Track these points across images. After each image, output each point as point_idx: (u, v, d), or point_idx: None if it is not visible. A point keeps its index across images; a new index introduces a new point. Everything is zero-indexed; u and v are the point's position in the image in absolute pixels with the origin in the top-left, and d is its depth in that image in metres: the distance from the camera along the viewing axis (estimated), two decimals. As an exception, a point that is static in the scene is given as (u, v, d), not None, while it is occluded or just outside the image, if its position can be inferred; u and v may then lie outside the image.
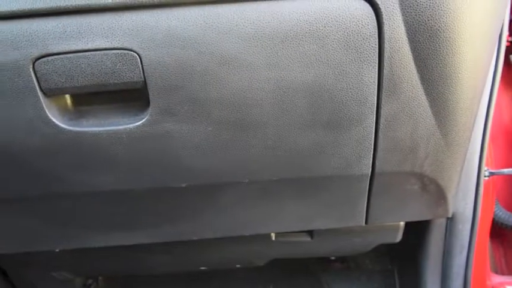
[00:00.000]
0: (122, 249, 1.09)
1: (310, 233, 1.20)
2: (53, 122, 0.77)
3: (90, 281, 1.56)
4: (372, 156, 0.85)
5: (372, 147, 0.83)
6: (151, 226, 0.99)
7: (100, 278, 1.57)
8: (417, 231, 1.22)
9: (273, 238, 1.21)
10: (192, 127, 0.78)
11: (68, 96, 0.80)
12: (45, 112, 0.76)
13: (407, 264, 1.38)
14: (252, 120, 0.78)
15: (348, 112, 0.78)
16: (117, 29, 0.71)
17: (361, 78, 0.75)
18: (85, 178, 0.85)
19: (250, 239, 1.10)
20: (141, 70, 0.73)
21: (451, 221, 1.14)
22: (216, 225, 0.99)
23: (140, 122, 0.78)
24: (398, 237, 1.19)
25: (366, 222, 0.99)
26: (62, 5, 0.70)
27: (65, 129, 0.78)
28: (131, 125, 0.78)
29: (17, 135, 0.79)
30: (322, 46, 0.72)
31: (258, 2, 0.71)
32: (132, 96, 0.79)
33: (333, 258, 1.57)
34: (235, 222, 0.99)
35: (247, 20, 0.71)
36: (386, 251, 1.32)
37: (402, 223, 1.15)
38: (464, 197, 1.09)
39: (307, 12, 0.71)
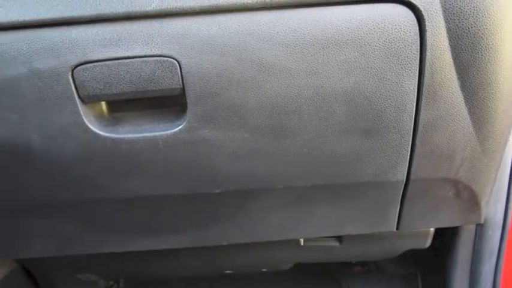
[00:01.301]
0: (149, 252, 1.08)
1: (339, 237, 1.19)
2: (90, 128, 0.77)
3: (111, 283, 1.57)
4: (407, 162, 0.84)
5: (409, 153, 0.82)
6: (183, 231, 0.99)
7: (121, 280, 1.57)
8: (443, 235, 1.21)
9: (302, 243, 1.20)
10: (229, 134, 0.78)
11: (103, 103, 0.80)
12: (82, 119, 0.76)
13: (432, 268, 1.37)
14: (289, 127, 0.77)
15: (386, 119, 0.78)
16: (157, 36, 0.70)
17: (401, 85, 0.74)
18: (120, 184, 0.85)
19: (278, 243, 1.10)
20: (180, 77, 0.73)
21: (480, 226, 1.13)
22: (247, 230, 0.99)
23: (177, 129, 0.77)
24: (428, 243, 1.18)
25: (397, 228, 0.99)
26: (102, 12, 0.69)
27: (101, 135, 0.78)
28: (168, 132, 0.78)
29: (54, 142, 0.78)
30: (363, 53, 0.72)
31: (300, 9, 0.70)
32: (167, 102, 0.79)
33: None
34: (266, 227, 0.99)
35: (289, 27, 0.70)
36: (409, 254, 1.31)
37: (432, 229, 1.14)
38: (495, 202, 1.08)
39: (349, 19, 0.70)
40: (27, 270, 1.35)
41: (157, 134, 0.78)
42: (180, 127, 0.77)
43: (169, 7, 0.69)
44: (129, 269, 1.35)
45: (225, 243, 1.02)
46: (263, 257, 1.30)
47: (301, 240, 1.20)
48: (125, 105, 0.80)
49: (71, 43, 0.71)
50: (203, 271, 1.41)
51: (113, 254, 1.09)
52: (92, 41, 0.71)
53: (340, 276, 1.56)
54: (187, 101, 0.74)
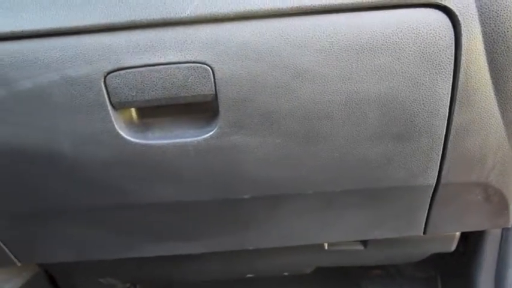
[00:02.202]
0: (170, 256, 1.08)
1: (364, 241, 1.19)
2: (121, 135, 0.77)
3: (128, 285, 1.57)
4: (438, 167, 0.83)
5: (440, 158, 0.82)
6: (210, 236, 0.98)
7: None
8: (468, 239, 1.20)
9: (326, 247, 1.20)
10: (260, 139, 0.77)
11: (133, 109, 0.80)
12: (114, 125, 0.76)
13: (453, 272, 1.36)
14: (321, 132, 0.77)
15: (418, 123, 0.77)
16: (191, 42, 0.70)
17: (435, 89, 0.74)
18: (149, 190, 0.85)
19: (302, 247, 1.10)
20: (213, 83, 0.72)
21: (507, 230, 1.12)
22: (274, 235, 0.99)
23: (208, 135, 0.77)
24: (453, 247, 1.17)
25: (425, 232, 0.98)
26: (136, 19, 0.69)
27: (132, 141, 0.78)
28: (198, 138, 0.78)
29: (84, 148, 0.78)
30: (398, 58, 0.71)
31: (334, 14, 0.70)
32: (197, 108, 0.79)
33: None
34: (293, 232, 0.98)
35: (323, 32, 0.70)
36: (430, 257, 1.30)
37: (458, 232, 1.13)
38: (523, 206, 1.08)
39: (384, 24, 0.70)
40: (49, 275, 1.35)
41: (188, 140, 0.78)
42: (211, 133, 0.77)
43: (203, 13, 0.68)
44: (150, 272, 1.35)
45: (251, 248, 1.02)
46: (286, 261, 1.29)
47: (325, 244, 1.20)
48: (154, 111, 0.80)
49: (104, 50, 0.71)
50: (224, 275, 1.41)
51: (134, 258, 1.09)
52: (125, 48, 0.71)
53: (359, 279, 1.55)
54: (220, 107, 0.74)
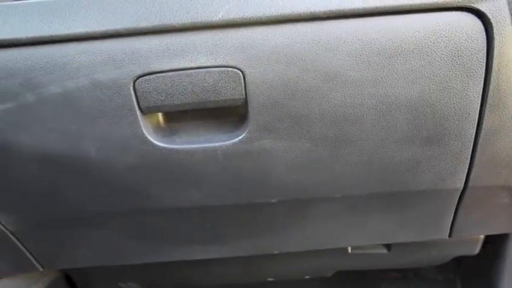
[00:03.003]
0: (192, 260, 1.08)
1: (388, 245, 1.18)
2: (149, 139, 0.77)
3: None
4: (467, 170, 0.83)
5: (468, 161, 0.81)
6: (234, 240, 0.98)
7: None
8: (491, 242, 1.19)
9: (349, 250, 1.19)
10: (289, 143, 0.77)
11: (160, 114, 0.80)
12: (142, 130, 0.76)
13: (474, 275, 1.35)
14: (351, 136, 0.77)
15: (448, 127, 0.77)
16: (222, 46, 0.70)
17: (466, 93, 0.73)
18: (176, 194, 0.84)
19: (325, 251, 1.09)
20: (243, 87, 0.72)
21: (530, 233, 1.11)
22: (299, 239, 0.98)
23: (237, 139, 0.77)
24: (477, 250, 1.17)
25: (450, 236, 0.98)
26: (167, 23, 0.69)
27: (159, 146, 0.77)
28: (227, 142, 0.77)
29: (111, 153, 0.78)
30: (429, 62, 0.71)
31: (366, 18, 0.69)
32: (225, 112, 0.79)
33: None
34: (318, 236, 0.98)
35: (355, 36, 0.69)
36: (449, 259, 1.30)
37: (482, 235, 1.12)
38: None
39: (416, 28, 0.69)
40: (69, 279, 1.35)
41: (216, 144, 0.78)
42: (240, 137, 0.77)
43: (235, 17, 0.68)
44: (170, 276, 1.34)
45: (276, 252, 1.01)
46: (308, 265, 1.29)
47: (349, 248, 1.19)
48: (180, 115, 0.80)
49: (134, 54, 0.71)
50: (245, 279, 1.40)
51: (155, 262, 1.09)
52: (155, 52, 0.70)
53: (377, 282, 1.54)
54: (250, 111, 0.74)
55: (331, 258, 1.23)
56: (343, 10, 0.68)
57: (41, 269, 1.06)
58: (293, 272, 1.35)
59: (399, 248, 1.17)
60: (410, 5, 0.68)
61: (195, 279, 1.35)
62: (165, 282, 1.40)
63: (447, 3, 0.68)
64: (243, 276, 1.35)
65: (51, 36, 0.70)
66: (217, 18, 0.68)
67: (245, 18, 0.68)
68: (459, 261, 1.35)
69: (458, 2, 0.68)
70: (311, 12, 0.68)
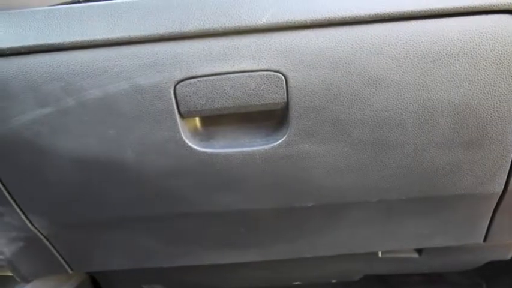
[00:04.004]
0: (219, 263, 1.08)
1: (419, 249, 1.17)
2: (187, 143, 0.76)
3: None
4: (507, 174, 0.82)
5: (509, 165, 0.80)
6: (267, 244, 0.97)
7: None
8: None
9: (380, 254, 1.18)
10: (329, 147, 0.77)
11: (197, 118, 0.79)
12: (180, 134, 0.75)
13: (502, 280, 1.34)
14: (392, 140, 0.76)
15: (490, 130, 0.76)
16: (265, 50, 0.69)
17: (509, 96, 0.72)
18: (212, 198, 0.84)
19: (355, 255, 1.08)
20: (285, 91, 0.71)
21: None
22: (332, 243, 0.98)
23: (276, 143, 0.76)
24: (510, 255, 1.15)
25: (485, 240, 0.96)
26: (210, 27, 0.69)
27: (198, 150, 0.77)
28: (266, 146, 0.77)
29: (149, 157, 0.78)
30: (474, 65, 0.70)
31: (411, 21, 0.69)
32: (263, 116, 0.78)
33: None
34: (352, 240, 0.97)
35: (400, 40, 0.69)
36: (481, 264, 1.28)
37: (515, 240, 1.11)
38: None
39: (461, 31, 0.68)
40: (94, 280, 1.35)
41: (255, 148, 0.77)
42: (280, 141, 0.76)
43: (280, 21, 0.68)
44: (195, 279, 1.34)
45: (308, 255, 1.01)
46: (337, 269, 1.28)
47: (379, 252, 1.18)
48: (218, 119, 0.80)
49: (176, 58, 0.70)
50: (271, 283, 1.40)
51: (181, 265, 1.08)
52: (197, 56, 0.70)
53: (401, 285, 1.53)
54: (290, 115, 0.73)
55: (360, 262, 1.23)
56: (387, 13, 0.68)
57: (70, 272, 1.06)
58: (320, 276, 1.34)
59: (431, 252, 1.16)
60: (456, 8, 0.68)
61: (221, 283, 1.35)
62: (189, 284, 1.39)
63: (493, 5, 0.68)
64: (269, 279, 1.35)
65: (93, 40, 0.70)
66: (262, 22, 0.68)
67: (289, 22, 0.68)
68: (487, 266, 1.34)
69: (504, 4, 0.68)
70: (356, 16, 0.67)
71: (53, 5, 0.76)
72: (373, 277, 1.49)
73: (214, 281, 1.35)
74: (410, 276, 1.53)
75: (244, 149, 0.77)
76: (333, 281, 1.39)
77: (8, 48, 0.71)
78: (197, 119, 0.80)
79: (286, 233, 0.95)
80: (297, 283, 1.39)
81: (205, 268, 1.19)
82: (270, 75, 0.70)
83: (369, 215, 0.90)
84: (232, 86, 0.71)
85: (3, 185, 0.85)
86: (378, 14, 0.67)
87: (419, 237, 0.97)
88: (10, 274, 1.26)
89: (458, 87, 0.71)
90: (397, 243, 1.00)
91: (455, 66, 0.70)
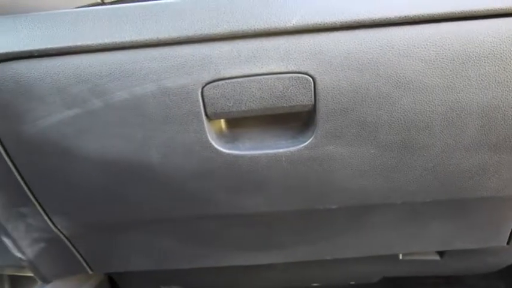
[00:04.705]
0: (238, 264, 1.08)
1: (440, 251, 1.17)
2: (213, 145, 0.76)
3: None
4: None
5: None
6: (289, 246, 0.97)
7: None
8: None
9: (400, 257, 1.18)
10: (355, 149, 0.76)
11: (222, 120, 0.79)
12: (207, 136, 0.75)
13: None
14: (418, 142, 0.76)
15: None
16: (294, 52, 0.69)
17: None
18: (237, 200, 0.84)
19: (376, 257, 1.08)
20: (313, 93, 0.71)
21: None
22: (355, 245, 0.97)
23: (302, 145, 0.76)
24: None
25: (508, 243, 0.96)
26: (239, 29, 0.69)
27: (223, 152, 0.77)
28: (292, 148, 0.77)
29: (175, 159, 0.78)
30: (504, 67, 0.69)
31: (441, 23, 0.68)
32: (289, 118, 0.78)
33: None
34: (374, 242, 0.97)
35: (429, 42, 0.68)
36: (503, 266, 1.27)
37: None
38: None
39: (491, 33, 0.68)
40: (112, 281, 1.36)
41: (280, 150, 0.77)
42: (306, 143, 0.76)
43: (310, 23, 0.67)
44: (215, 281, 1.34)
45: (329, 258, 1.01)
46: (356, 271, 1.28)
47: (400, 254, 1.18)
48: (243, 121, 0.80)
49: (204, 60, 0.70)
50: (290, 284, 1.39)
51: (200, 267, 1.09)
52: (226, 58, 0.70)
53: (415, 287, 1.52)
54: (317, 117, 0.73)
55: (380, 264, 1.22)
56: (417, 15, 0.67)
57: (90, 272, 1.06)
58: (339, 278, 1.34)
59: (452, 254, 1.16)
60: (487, 10, 0.67)
61: (239, 284, 1.35)
62: (207, 285, 1.39)
63: None
64: (287, 281, 1.34)
65: (121, 42, 0.70)
66: (291, 24, 0.67)
67: (319, 24, 0.67)
68: (506, 268, 1.33)
69: None
70: (386, 18, 0.67)
71: (80, 7, 0.76)
72: (389, 279, 1.48)
73: (231, 282, 1.35)
74: (427, 278, 1.52)
75: (270, 151, 0.77)
76: (351, 283, 1.39)
77: (36, 50, 0.71)
78: (222, 121, 0.80)
79: (309, 234, 0.95)
80: (315, 285, 1.38)
81: (223, 269, 1.19)
82: (298, 77, 0.70)
83: (392, 217, 0.90)
84: (260, 88, 0.71)
85: (28, 186, 0.85)
86: (407, 16, 0.67)
87: (442, 240, 0.97)
88: (28, 274, 1.26)
89: (488, 89, 0.71)
90: (420, 246, 0.99)
91: (485, 69, 0.69)
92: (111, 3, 0.81)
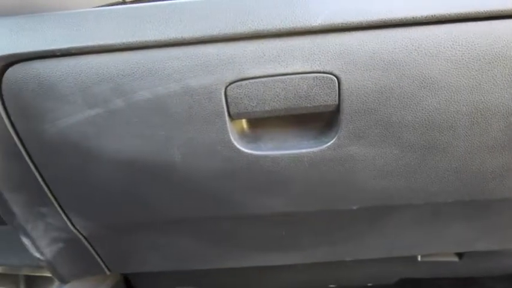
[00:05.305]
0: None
1: (460, 253, 1.16)
2: (235, 145, 0.76)
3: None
4: None
5: None
6: (309, 247, 0.97)
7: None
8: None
9: (419, 258, 1.17)
10: (378, 150, 0.76)
11: (244, 120, 0.79)
12: (229, 136, 0.75)
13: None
14: (442, 143, 0.75)
15: None
16: (319, 52, 0.69)
17: None
18: (257, 201, 0.84)
19: (394, 258, 1.07)
20: (337, 93, 0.71)
21: None
22: (375, 246, 0.97)
23: (325, 146, 0.76)
24: None
25: None
26: (264, 29, 0.68)
27: (245, 152, 0.77)
28: (314, 149, 0.76)
29: (196, 159, 0.78)
30: None
31: (468, 23, 0.68)
32: (311, 118, 0.78)
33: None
34: (394, 243, 0.96)
35: (456, 42, 0.68)
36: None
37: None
38: None
39: None
40: (127, 281, 1.36)
41: (303, 150, 0.77)
42: (329, 144, 0.75)
43: (335, 22, 0.67)
44: (232, 281, 1.34)
45: (349, 259, 1.00)
46: (374, 272, 1.27)
47: (419, 256, 1.17)
48: (264, 121, 0.79)
49: (228, 60, 0.70)
50: (307, 285, 1.39)
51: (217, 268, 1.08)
52: (250, 58, 0.70)
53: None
54: (341, 117, 0.73)
55: (398, 265, 1.21)
56: (444, 15, 0.67)
57: (108, 273, 1.06)
58: (356, 279, 1.33)
59: (471, 256, 1.15)
60: None
61: (255, 285, 1.34)
62: (223, 286, 1.39)
63: None
64: (304, 282, 1.34)
65: (145, 41, 0.70)
66: (317, 24, 0.67)
67: (345, 24, 0.67)
68: None
69: None
70: (413, 17, 0.66)
71: (102, 6, 0.76)
72: (406, 280, 1.47)
73: (247, 283, 1.34)
74: (442, 279, 1.51)
75: (292, 151, 0.77)
76: (368, 284, 1.38)
77: (58, 50, 0.71)
78: (244, 121, 0.80)
79: (329, 235, 0.94)
80: (332, 286, 1.38)
81: (239, 270, 1.18)
82: (322, 77, 0.70)
83: (413, 218, 0.89)
84: (284, 88, 0.71)
85: (47, 185, 0.85)
86: (434, 15, 0.66)
87: (462, 241, 0.96)
88: (43, 274, 1.27)
89: None
90: (440, 247, 0.98)
91: (511, 69, 0.69)
92: (132, 2, 0.80)
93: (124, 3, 0.80)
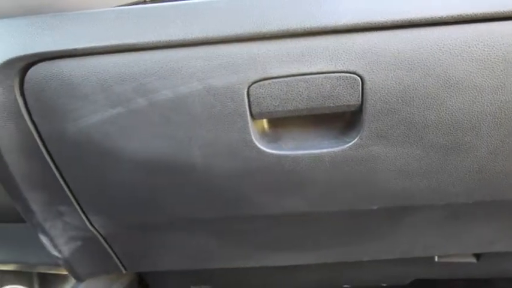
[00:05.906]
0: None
1: (477, 254, 1.15)
2: (257, 145, 0.76)
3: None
4: None
5: None
6: (327, 247, 0.97)
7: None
8: None
9: (436, 259, 1.17)
10: (400, 150, 0.76)
11: (265, 119, 0.79)
12: (250, 136, 0.75)
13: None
14: (464, 143, 0.75)
15: None
16: (343, 51, 0.69)
17: None
18: (277, 200, 0.83)
19: (410, 259, 1.07)
20: (361, 93, 0.71)
21: None
22: (393, 247, 0.97)
23: (346, 146, 0.75)
24: None
25: None
26: (290, 28, 0.68)
27: (266, 152, 0.77)
28: (336, 149, 0.76)
29: (218, 158, 0.77)
30: None
31: (493, 23, 0.67)
32: (332, 118, 0.77)
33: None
34: (412, 244, 0.96)
35: (481, 41, 0.67)
36: None
37: None
38: None
39: None
40: (142, 280, 1.36)
41: (324, 150, 0.76)
42: (350, 144, 0.75)
43: (360, 22, 0.67)
44: (244, 280, 1.34)
45: (366, 259, 1.00)
46: (389, 272, 1.27)
47: (436, 256, 1.17)
48: (285, 121, 0.79)
49: (251, 59, 0.70)
50: (321, 285, 1.39)
51: (229, 267, 1.08)
52: (274, 57, 0.69)
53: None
54: (364, 117, 0.72)
55: (414, 266, 1.21)
56: (470, 14, 0.66)
57: (124, 271, 1.06)
58: (371, 279, 1.33)
59: (489, 257, 1.14)
60: None
61: (270, 284, 1.34)
62: (238, 286, 1.39)
63: None
64: (318, 281, 1.34)
65: (168, 41, 0.70)
66: (342, 23, 0.67)
67: (370, 23, 0.67)
68: None
69: None
70: (438, 17, 0.66)
71: (124, 5, 0.76)
72: (421, 281, 1.46)
73: (262, 283, 1.34)
74: (457, 280, 1.50)
75: (313, 151, 0.77)
76: (383, 284, 1.38)
77: (81, 49, 0.71)
78: (264, 121, 0.79)
79: (347, 235, 0.94)
80: (346, 286, 1.38)
81: (254, 269, 1.18)
82: (346, 76, 0.70)
83: (433, 218, 0.89)
84: (307, 88, 0.71)
85: (67, 184, 0.85)
86: (459, 15, 0.66)
87: (482, 242, 0.95)
88: (57, 272, 1.27)
89: None
90: (458, 248, 0.98)
91: None
92: (153, 1, 0.80)
93: (145, 2, 0.80)
